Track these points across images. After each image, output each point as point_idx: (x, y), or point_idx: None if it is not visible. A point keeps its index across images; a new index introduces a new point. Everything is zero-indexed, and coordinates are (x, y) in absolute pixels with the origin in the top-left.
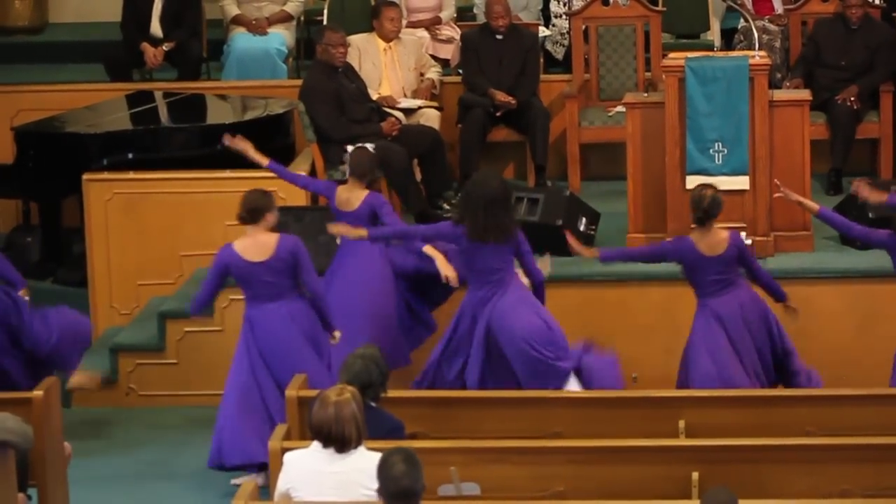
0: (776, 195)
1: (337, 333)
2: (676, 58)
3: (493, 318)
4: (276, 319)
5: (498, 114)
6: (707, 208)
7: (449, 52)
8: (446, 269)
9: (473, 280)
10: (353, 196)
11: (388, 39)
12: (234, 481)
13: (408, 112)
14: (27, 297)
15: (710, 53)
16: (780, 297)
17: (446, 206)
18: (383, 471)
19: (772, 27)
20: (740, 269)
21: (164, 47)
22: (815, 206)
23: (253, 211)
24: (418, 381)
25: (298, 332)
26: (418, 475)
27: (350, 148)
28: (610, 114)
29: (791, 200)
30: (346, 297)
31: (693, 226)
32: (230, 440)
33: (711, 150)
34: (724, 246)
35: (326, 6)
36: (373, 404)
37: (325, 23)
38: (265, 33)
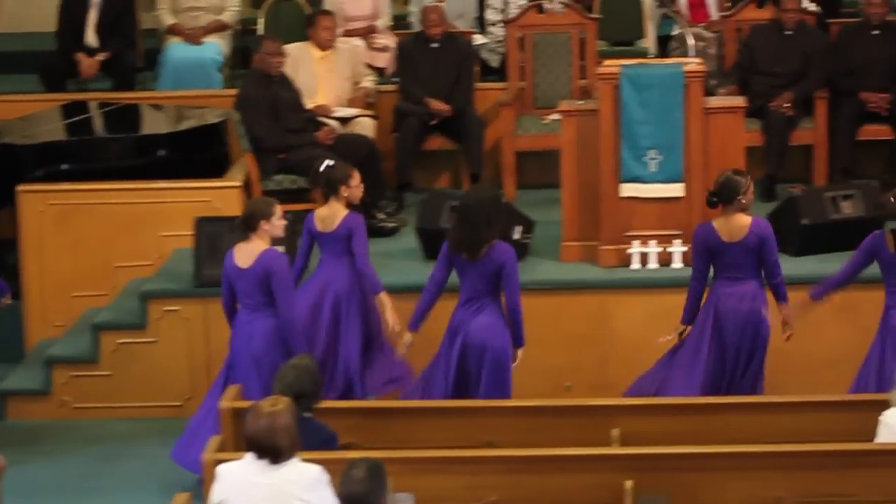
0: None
1: None
2: (612, 65)
3: (467, 335)
4: (240, 332)
5: (433, 122)
6: (716, 191)
7: (384, 60)
8: (393, 320)
9: (461, 296)
10: (333, 215)
11: (323, 48)
12: None
13: (343, 121)
14: (9, 302)
15: (645, 60)
16: (780, 297)
17: (381, 216)
18: (345, 473)
19: (706, 34)
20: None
21: (99, 57)
22: (807, 300)
23: (247, 218)
24: (409, 394)
25: (248, 352)
26: (375, 487)
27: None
28: (545, 122)
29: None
30: (313, 317)
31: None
32: (182, 440)
33: (646, 158)
34: (745, 233)
35: (262, 15)
36: (306, 415)
37: (259, 32)
38: (200, 43)
